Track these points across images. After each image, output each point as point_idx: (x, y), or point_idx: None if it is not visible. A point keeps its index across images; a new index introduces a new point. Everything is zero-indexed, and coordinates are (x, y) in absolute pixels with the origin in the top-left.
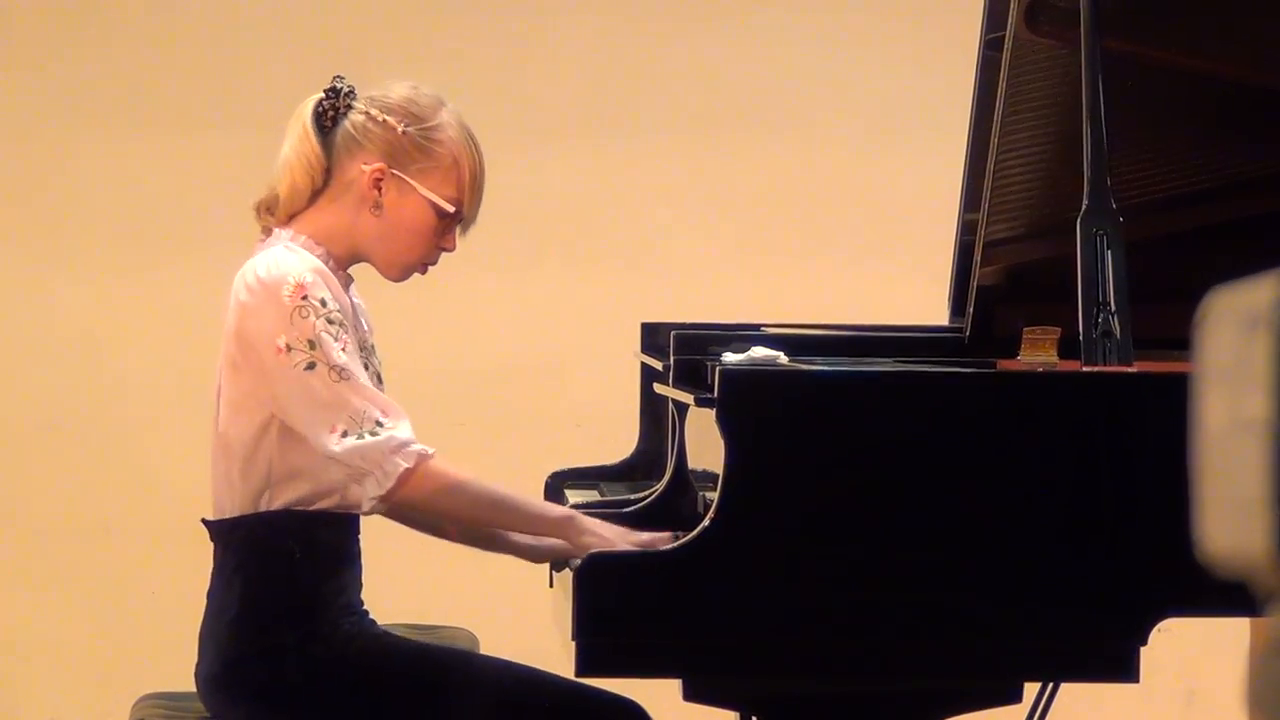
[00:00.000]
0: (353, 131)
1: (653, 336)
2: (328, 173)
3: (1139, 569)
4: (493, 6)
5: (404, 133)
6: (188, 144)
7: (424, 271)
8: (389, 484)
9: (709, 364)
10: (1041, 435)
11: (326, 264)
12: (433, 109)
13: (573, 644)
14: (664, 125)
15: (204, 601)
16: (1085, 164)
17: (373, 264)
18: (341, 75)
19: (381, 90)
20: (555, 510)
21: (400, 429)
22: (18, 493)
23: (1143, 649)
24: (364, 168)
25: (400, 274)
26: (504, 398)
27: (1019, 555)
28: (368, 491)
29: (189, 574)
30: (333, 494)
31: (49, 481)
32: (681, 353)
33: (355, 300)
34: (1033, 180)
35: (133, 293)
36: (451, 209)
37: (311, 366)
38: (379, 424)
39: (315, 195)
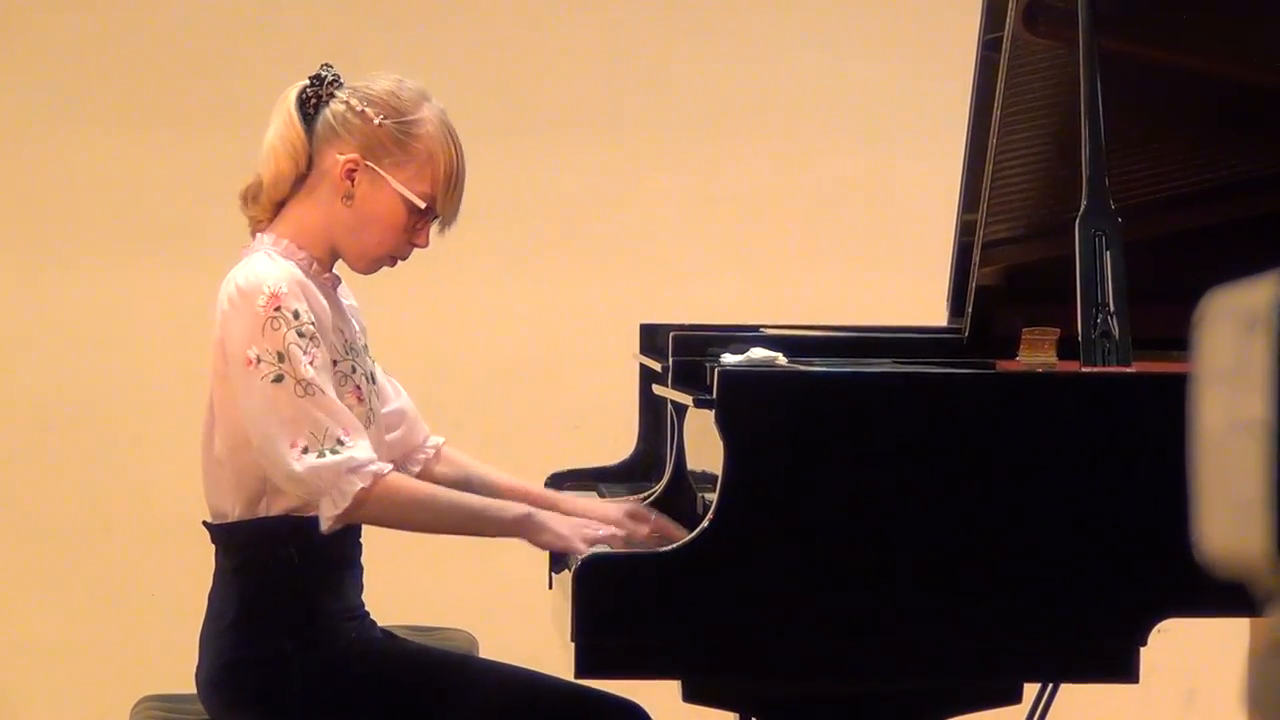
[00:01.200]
0: (332, 121)
1: (651, 338)
2: (310, 160)
3: (1139, 569)
4: (491, 6)
5: (381, 125)
6: (187, 144)
7: (392, 264)
8: (345, 504)
9: (708, 365)
10: (1040, 436)
11: (310, 269)
12: (414, 104)
13: (572, 645)
14: (663, 125)
15: (203, 603)
16: (1084, 164)
17: (341, 255)
18: (329, 64)
19: (366, 81)
20: (512, 511)
21: (359, 449)
22: (17, 493)
23: (1143, 649)
24: (339, 157)
25: (367, 266)
26: (503, 398)
27: (1018, 556)
28: (324, 511)
29: (188, 575)
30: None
31: (49, 481)
32: (680, 354)
33: (347, 301)
34: (1031, 181)
35: (131, 292)
36: (423, 205)
37: (279, 379)
38: (340, 442)
39: (298, 183)
